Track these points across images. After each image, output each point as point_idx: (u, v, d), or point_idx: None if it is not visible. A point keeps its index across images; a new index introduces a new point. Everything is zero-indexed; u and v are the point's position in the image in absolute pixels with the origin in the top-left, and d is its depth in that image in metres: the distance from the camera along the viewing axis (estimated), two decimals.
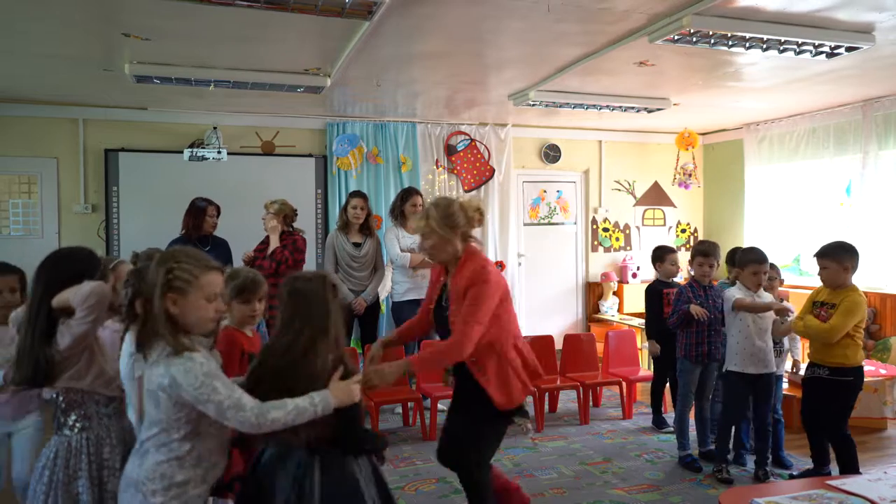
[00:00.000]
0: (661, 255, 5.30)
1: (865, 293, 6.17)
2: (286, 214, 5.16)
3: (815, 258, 3.95)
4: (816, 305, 3.93)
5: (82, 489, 2.12)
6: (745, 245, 5.39)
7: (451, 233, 2.92)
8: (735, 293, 4.11)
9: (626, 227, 8.13)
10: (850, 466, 3.76)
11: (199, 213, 5.33)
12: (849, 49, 4.20)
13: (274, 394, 2.06)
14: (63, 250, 2.39)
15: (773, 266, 4.68)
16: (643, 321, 7.01)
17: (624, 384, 5.55)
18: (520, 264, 7.69)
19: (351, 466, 2.19)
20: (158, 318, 1.96)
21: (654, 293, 5.22)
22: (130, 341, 2.51)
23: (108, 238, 6.28)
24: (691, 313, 4.34)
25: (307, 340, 2.16)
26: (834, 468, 3.98)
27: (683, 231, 8.31)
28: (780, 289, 4.63)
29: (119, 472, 2.17)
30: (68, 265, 2.25)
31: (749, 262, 4.12)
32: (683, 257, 7.50)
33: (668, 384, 5.33)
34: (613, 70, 4.96)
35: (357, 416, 2.24)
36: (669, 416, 5.36)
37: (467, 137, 7.33)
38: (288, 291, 2.24)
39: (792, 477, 4.14)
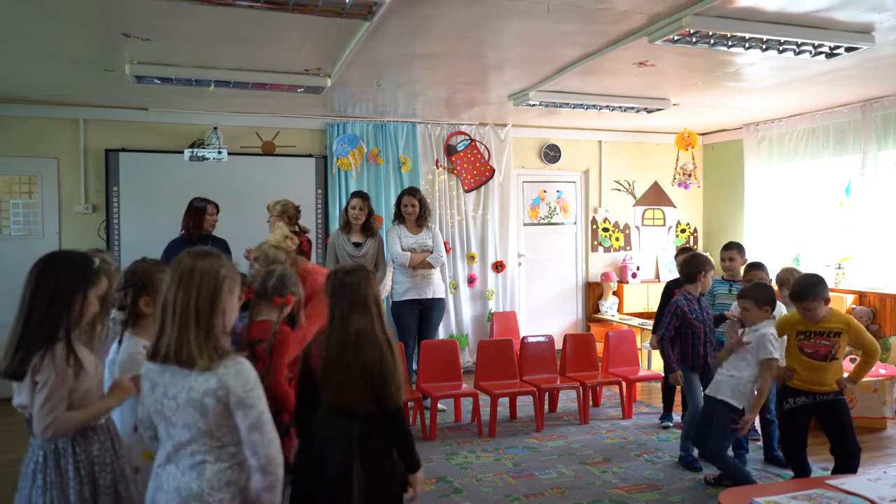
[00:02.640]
0: (677, 256, 5.37)
1: (865, 293, 6.27)
2: (290, 214, 5.16)
3: (796, 302, 3.69)
4: (810, 335, 3.69)
5: (73, 487, 2.15)
6: (744, 244, 5.42)
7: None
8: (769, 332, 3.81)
9: (626, 227, 8.13)
10: (852, 467, 3.74)
11: (199, 213, 5.33)
12: (848, 49, 4.20)
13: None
14: (63, 255, 2.35)
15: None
16: (643, 321, 7.07)
17: (624, 384, 5.55)
18: (520, 264, 7.69)
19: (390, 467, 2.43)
20: (218, 319, 1.95)
21: (667, 292, 5.25)
22: (125, 345, 2.53)
23: (109, 238, 6.28)
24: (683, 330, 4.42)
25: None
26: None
27: (683, 231, 8.31)
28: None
29: (110, 466, 2.21)
30: (71, 273, 2.25)
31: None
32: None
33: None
34: (613, 70, 4.97)
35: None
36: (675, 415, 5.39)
37: (467, 137, 7.33)
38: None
39: None
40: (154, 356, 1.94)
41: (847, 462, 3.71)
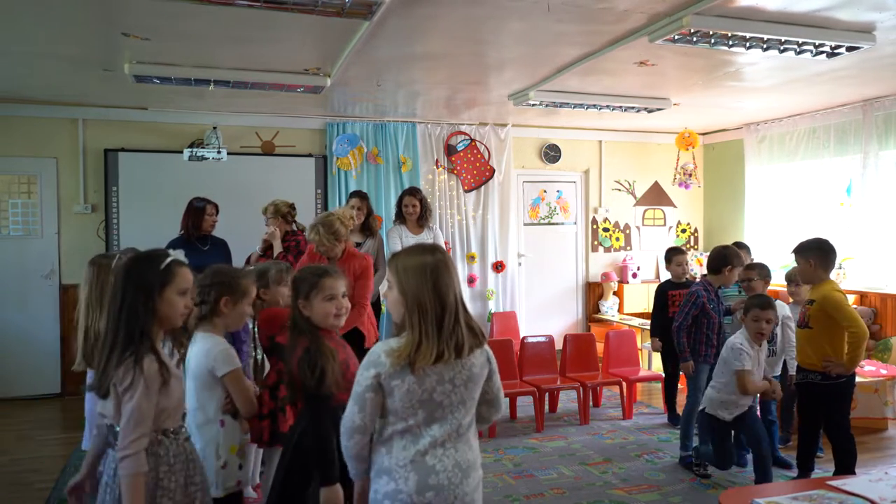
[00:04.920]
0: (669, 257, 5.40)
1: (866, 293, 6.25)
2: (283, 213, 5.15)
3: (796, 254, 3.90)
4: (802, 304, 3.93)
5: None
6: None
7: (336, 240, 4.19)
8: (742, 345, 3.91)
9: (627, 227, 8.12)
10: (849, 466, 3.75)
11: (198, 213, 5.32)
12: (849, 49, 4.19)
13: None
14: (135, 256, 2.21)
15: (762, 266, 4.69)
16: (644, 321, 7.06)
17: (624, 384, 5.54)
18: (520, 264, 7.68)
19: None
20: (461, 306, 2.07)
21: (660, 293, 5.33)
22: (210, 342, 2.64)
23: (108, 238, 6.28)
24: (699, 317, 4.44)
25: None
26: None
27: (684, 231, 8.30)
28: (770, 288, 4.68)
29: (177, 493, 2.10)
30: (137, 272, 2.11)
31: (750, 308, 3.92)
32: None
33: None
34: (613, 70, 4.96)
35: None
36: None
37: (467, 137, 7.32)
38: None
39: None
40: (420, 359, 1.94)
41: (836, 449, 3.78)
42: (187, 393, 2.64)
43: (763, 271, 4.55)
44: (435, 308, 1.95)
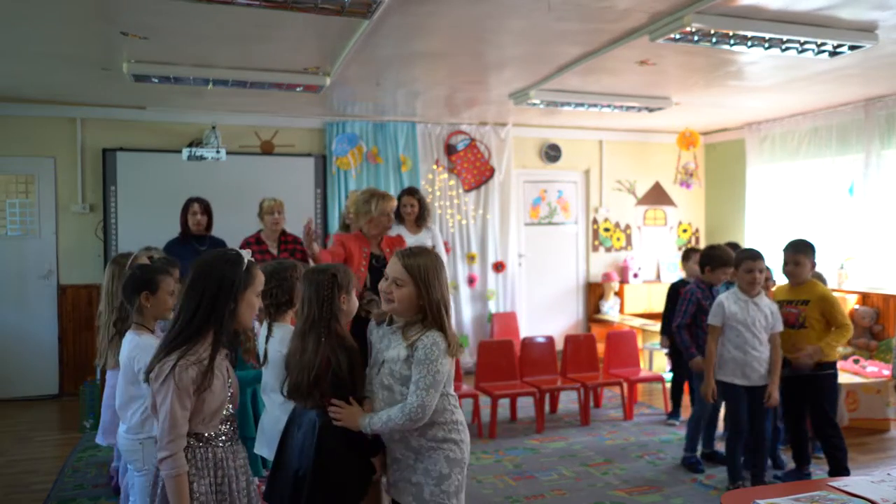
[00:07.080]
0: (687, 255, 5.37)
1: (868, 294, 6.23)
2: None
3: (787, 253, 3.99)
4: (782, 305, 3.98)
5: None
6: (745, 244, 5.41)
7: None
8: (726, 299, 3.95)
9: (627, 227, 8.09)
10: (842, 462, 3.81)
11: (184, 211, 5.31)
12: (851, 48, 4.17)
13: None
14: (210, 257, 2.17)
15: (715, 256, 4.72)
16: (645, 321, 7.04)
17: (625, 385, 5.52)
18: (520, 264, 7.65)
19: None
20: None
21: (672, 291, 5.31)
22: (286, 332, 2.68)
23: (106, 238, 6.25)
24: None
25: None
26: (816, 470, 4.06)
27: (685, 231, 8.27)
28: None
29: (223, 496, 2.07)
30: (217, 276, 2.09)
31: (741, 261, 4.01)
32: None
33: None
34: (614, 69, 4.93)
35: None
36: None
37: (467, 137, 7.30)
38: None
39: (776, 479, 4.15)
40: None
41: (825, 444, 3.91)
42: (269, 377, 2.78)
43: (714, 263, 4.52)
44: (448, 304, 2.25)
